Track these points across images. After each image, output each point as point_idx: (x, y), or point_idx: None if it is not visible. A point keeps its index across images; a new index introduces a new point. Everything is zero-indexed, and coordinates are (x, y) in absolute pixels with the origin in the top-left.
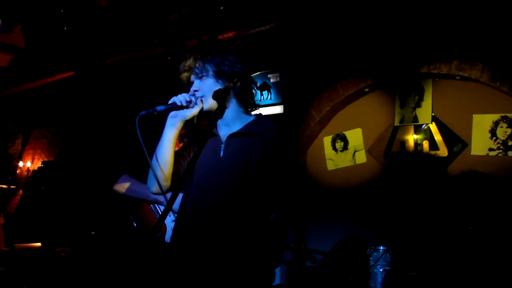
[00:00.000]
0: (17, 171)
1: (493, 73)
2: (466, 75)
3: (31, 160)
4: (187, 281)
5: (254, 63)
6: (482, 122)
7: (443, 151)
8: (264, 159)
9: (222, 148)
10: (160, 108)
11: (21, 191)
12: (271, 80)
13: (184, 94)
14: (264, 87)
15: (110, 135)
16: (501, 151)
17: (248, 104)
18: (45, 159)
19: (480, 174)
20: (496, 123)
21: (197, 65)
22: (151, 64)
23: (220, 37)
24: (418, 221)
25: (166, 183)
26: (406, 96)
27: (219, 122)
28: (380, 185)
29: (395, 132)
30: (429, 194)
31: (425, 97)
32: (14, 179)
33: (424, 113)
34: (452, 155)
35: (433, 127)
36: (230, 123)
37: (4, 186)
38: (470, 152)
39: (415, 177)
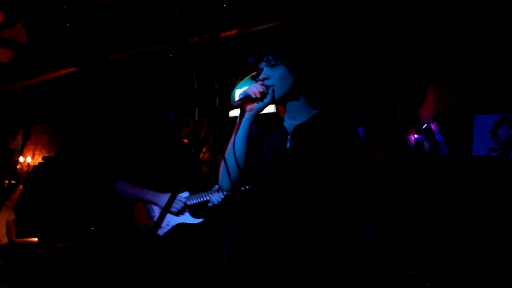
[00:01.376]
0: (18, 167)
1: (493, 74)
2: (467, 76)
3: (31, 155)
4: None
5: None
6: (483, 123)
7: (444, 151)
8: (331, 150)
9: (288, 139)
10: (237, 102)
11: (21, 186)
12: None
13: (256, 85)
14: None
15: (110, 132)
16: (502, 151)
17: (315, 97)
18: (46, 155)
19: (481, 174)
20: (497, 124)
21: (271, 51)
22: (153, 61)
23: (223, 34)
24: (418, 221)
25: (238, 179)
26: (407, 95)
27: (285, 113)
28: (381, 184)
29: (397, 131)
30: (430, 194)
31: (426, 97)
32: (14, 174)
33: (426, 112)
34: (453, 155)
35: (434, 126)
36: (296, 115)
37: (5, 181)
38: (471, 153)
39: (416, 176)
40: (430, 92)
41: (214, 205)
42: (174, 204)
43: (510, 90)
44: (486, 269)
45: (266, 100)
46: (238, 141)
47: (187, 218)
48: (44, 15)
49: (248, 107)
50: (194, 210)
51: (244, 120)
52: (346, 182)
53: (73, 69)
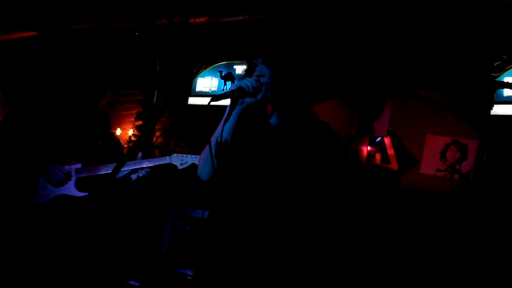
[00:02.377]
0: None
1: (450, 98)
2: (426, 95)
3: None
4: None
5: (221, 52)
6: (434, 143)
7: (393, 165)
8: (311, 149)
9: (271, 136)
10: (229, 93)
11: None
12: (236, 72)
13: (250, 80)
14: (229, 77)
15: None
16: (448, 172)
17: (305, 97)
18: None
19: (426, 192)
20: (447, 146)
21: (268, 49)
22: (118, 37)
23: (192, 20)
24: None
25: (216, 171)
26: (366, 107)
27: (273, 110)
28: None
29: (351, 141)
30: (377, 206)
31: (384, 110)
32: None
33: (381, 126)
34: (402, 170)
35: (387, 141)
36: (282, 114)
37: None
38: (419, 170)
39: (365, 187)
40: (387, 107)
41: (138, 179)
42: (53, 174)
43: (464, 116)
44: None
45: (259, 96)
46: (225, 132)
47: (70, 191)
48: None
49: (240, 100)
50: (81, 183)
51: (234, 112)
52: (323, 182)
53: (34, 33)
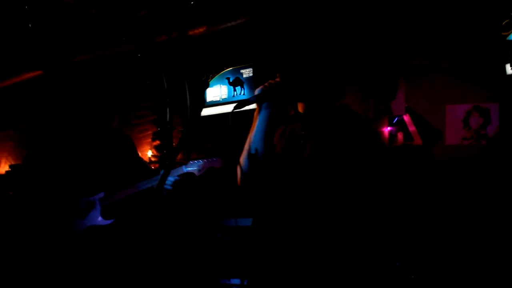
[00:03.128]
0: None
1: (463, 65)
2: (438, 66)
3: None
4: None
5: (225, 59)
6: (455, 112)
7: (418, 141)
8: (346, 145)
9: (303, 137)
10: (252, 99)
11: None
12: (244, 76)
13: (272, 83)
14: (237, 82)
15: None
16: (474, 139)
17: (333, 94)
18: (13, 163)
19: (455, 162)
20: (468, 113)
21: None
22: (121, 61)
23: (191, 32)
24: (399, 213)
25: (256, 178)
26: (380, 88)
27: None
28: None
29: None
30: (407, 184)
31: (398, 89)
32: None
33: (398, 104)
34: (427, 145)
35: (407, 118)
36: (315, 109)
37: None
38: (444, 142)
39: (391, 168)
40: (401, 84)
41: (168, 191)
42: (78, 208)
43: (480, 81)
44: (467, 257)
45: (283, 99)
46: (256, 138)
47: (97, 221)
48: (5, 15)
49: (265, 103)
50: (107, 211)
51: (261, 117)
52: (370, 172)
53: (38, 72)
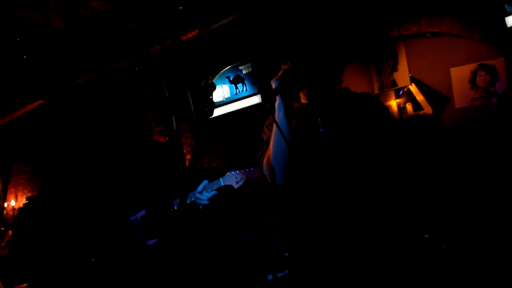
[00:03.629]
0: (3, 212)
1: (463, 24)
2: (437, 30)
3: (14, 198)
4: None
5: (222, 58)
6: (460, 74)
7: (427, 110)
8: (360, 122)
9: (320, 123)
10: (278, 87)
11: (10, 232)
12: (243, 72)
13: (286, 69)
14: (238, 80)
15: (92, 159)
16: (484, 98)
17: (336, 78)
18: (29, 194)
19: (468, 125)
20: (474, 73)
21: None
22: (120, 77)
23: (184, 37)
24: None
25: (287, 170)
26: (381, 62)
27: (308, 95)
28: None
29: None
30: (422, 156)
31: (399, 60)
32: (1, 221)
33: (402, 76)
34: (437, 111)
35: (413, 88)
36: (318, 96)
37: None
38: (454, 106)
39: (405, 141)
40: (402, 54)
41: (205, 206)
42: (121, 231)
43: (481, 38)
44: (488, 225)
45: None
46: (284, 127)
47: (141, 240)
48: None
49: (288, 90)
50: (148, 230)
51: (279, 108)
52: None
53: (40, 101)
